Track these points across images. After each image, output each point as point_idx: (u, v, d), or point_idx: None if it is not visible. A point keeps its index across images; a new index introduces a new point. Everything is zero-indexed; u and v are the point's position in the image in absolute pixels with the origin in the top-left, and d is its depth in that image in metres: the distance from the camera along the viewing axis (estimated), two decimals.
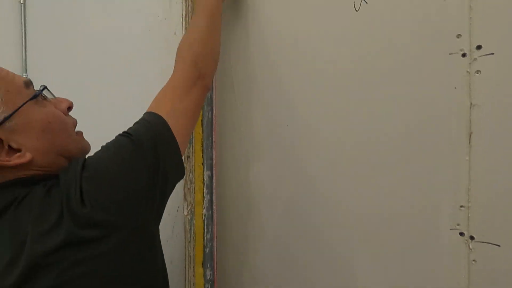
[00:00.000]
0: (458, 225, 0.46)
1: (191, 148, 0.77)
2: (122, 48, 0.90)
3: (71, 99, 0.53)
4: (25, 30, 1.48)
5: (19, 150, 0.42)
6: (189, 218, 0.77)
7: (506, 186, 0.44)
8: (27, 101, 0.42)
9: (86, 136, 0.52)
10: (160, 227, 0.82)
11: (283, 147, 0.69)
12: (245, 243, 0.77)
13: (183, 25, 0.76)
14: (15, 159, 0.41)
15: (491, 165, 0.44)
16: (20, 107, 0.41)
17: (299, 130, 0.65)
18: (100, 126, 0.91)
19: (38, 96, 0.44)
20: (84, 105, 1.05)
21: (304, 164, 0.65)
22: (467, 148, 0.45)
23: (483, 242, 0.44)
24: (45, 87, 0.46)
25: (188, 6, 0.75)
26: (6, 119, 0.40)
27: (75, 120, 0.50)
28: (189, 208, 0.77)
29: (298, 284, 0.66)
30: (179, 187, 0.79)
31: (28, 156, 0.42)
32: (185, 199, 0.77)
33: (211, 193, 0.80)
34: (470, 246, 0.45)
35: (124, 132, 0.46)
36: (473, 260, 0.45)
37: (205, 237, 0.79)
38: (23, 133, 0.42)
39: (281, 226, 0.70)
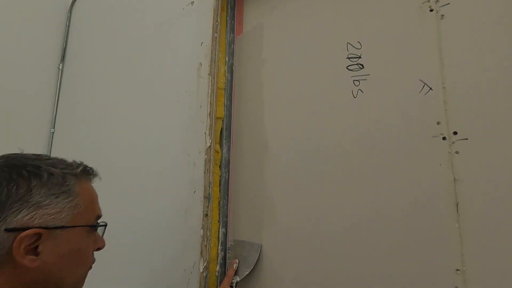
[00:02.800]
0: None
1: (209, 206, 0.84)
2: (152, 117, 1.03)
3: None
4: (59, 91, 1.67)
5: (36, 255, 0.42)
6: (204, 275, 0.81)
7: (494, 248, 0.50)
8: (84, 225, 0.45)
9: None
10: (175, 282, 0.85)
11: (294, 211, 0.76)
12: None
13: (208, 100, 0.89)
14: (27, 260, 0.41)
15: (479, 229, 0.51)
16: (76, 226, 0.44)
17: (307, 197, 0.73)
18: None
19: (93, 228, 0.47)
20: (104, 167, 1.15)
21: (312, 233, 0.71)
22: (456, 216, 0.53)
23: None
24: (105, 225, 0.50)
25: (214, 84, 0.90)
26: (60, 227, 0.43)
27: (94, 260, 0.50)
28: (205, 264, 0.81)
29: None
30: (196, 244, 0.84)
31: (34, 265, 0.41)
32: (202, 255, 0.81)
33: (225, 250, 0.85)
34: None
35: None
36: None
37: None
38: (56, 244, 0.43)
39: (293, 281, 0.73)
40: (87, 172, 0.49)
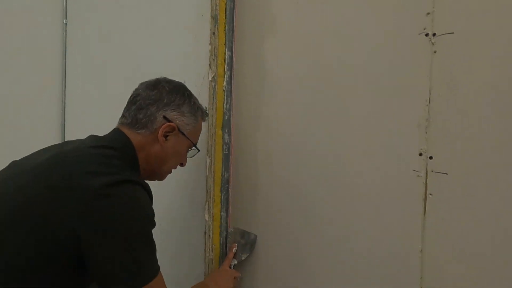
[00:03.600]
0: (424, 29, 0.59)
1: (216, 26, 0.92)
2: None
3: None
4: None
5: (165, 139, 0.71)
6: (213, 84, 0.93)
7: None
8: (191, 141, 0.76)
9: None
10: None
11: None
12: (258, 112, 0.92)
13: None
14: (161, 139, 0.70)
15: None
16: (188, 139, 0.75)
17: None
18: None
19: (192, 147, 0.78)
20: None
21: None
22: None
23: (441, 34, 0.57)
24: (199, 151, 0.81)
25: None
26: (182, 133, 0.73)
27: (175, 168, 0.79)
28: (213, 75, 0.92)
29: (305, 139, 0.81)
30: (205, 61, 0.95)
31: (162, 143, 0.70)
32: (210, 68, 0.93)
33: (230, 70, 0.96)
34: (433, 41, 0.58)
35: None
36: (434, 51, 0.58)
37: (225, 107, 0.95)
38: (175, 141, 0.73)
39: (292, 91, 0.85)
40: (206, 115, 0.82)
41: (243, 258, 0.90)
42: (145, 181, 0.67)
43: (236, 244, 0.89)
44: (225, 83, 0.95)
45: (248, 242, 0.90)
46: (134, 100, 0.72)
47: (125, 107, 0.73)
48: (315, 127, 0.77)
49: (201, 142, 0.97)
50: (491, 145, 0.55)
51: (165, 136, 0.71)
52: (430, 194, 0.58)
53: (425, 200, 0.59)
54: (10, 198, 0.59)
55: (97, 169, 0.58)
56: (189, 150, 0.78)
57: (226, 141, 0.96)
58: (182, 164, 0.79)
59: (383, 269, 0.63)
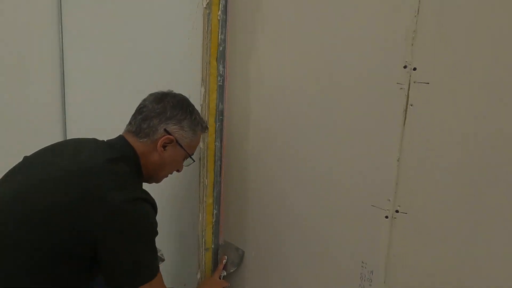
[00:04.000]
0: None
1: None
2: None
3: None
4: None
5: (164, 149, 0.78)
6: (207, 12, 0.92)
7: None
8: (187, 153, 0.82)
9: None
10: (181, 25, 0.99)
11: None
12: (253, 41, 0.92)
13: None
14: (160, 149, 0.77)
15: None
16: (185, 150, 0.81)
17: None
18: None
19: (188, 157, 0.83)
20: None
21: None
22: None
23: None
24: (194, 161, 0.85)
25: None
26: (180, 145, 0.79)
27: (171, 174, 0.86)
28: (208, 1, 0.91)
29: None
30: None
31: (160, 152, 0.77)
32: None
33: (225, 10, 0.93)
34: None
35: None
36: None
37: (220, 37, 0.95)
38: (173, 151, 0.79)
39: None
40: (205, 128, 0.87)
41: (232, 270, 0.98)
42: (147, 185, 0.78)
43: (226, 257, 0.97)
44: (219, 12, 0.93)
45: (236, 256, 0.97)
46: (140, 111, 0.79)
47: (132, 115, 0.80)
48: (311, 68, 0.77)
49: (196, 72, 0.99)
50: (476, 54, 0.56)
51: (164, 147, 0.78)
52: (411, 105, 0.60)
53: (405, 111, 0.61)
54: (29, 201, 0.66)
55: (115, 187, 0.67)
56: (186, 158, 0.85)
57: (221, 72, 0.96)
58: (178, 170, 0.87)
59: (359, 181, 0.67)
